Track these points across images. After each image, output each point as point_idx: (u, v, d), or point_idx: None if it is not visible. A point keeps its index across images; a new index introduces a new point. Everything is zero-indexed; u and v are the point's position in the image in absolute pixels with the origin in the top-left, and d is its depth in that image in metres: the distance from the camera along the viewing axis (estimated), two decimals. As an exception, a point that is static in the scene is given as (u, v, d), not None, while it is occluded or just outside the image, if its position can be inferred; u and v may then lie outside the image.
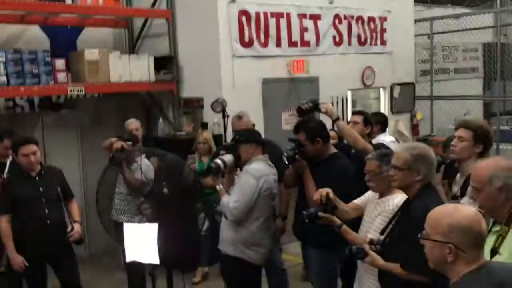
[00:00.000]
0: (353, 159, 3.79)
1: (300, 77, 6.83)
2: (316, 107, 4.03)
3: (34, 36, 6.72)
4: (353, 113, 5.10)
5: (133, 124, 5.46)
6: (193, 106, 6.79)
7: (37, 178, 4.24)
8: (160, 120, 6.65)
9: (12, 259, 4.15)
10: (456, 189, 3.23)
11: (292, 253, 5.97)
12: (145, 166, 4.72)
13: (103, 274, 6.01)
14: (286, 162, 3.61)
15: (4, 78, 5.47)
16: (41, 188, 4.21)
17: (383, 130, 4.96)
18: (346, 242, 3.06)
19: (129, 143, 4.69)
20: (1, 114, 6.75)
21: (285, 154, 3.61)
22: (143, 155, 4.82)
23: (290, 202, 4.39)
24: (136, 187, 4.70)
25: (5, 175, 4.65)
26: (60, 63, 5.87)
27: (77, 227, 4.32)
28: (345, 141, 4.33)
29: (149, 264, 4.22)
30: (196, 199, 4.38)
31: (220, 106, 4.42)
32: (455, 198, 3.13)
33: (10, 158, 4.84)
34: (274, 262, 4.45)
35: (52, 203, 4.24)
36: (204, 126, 5.99)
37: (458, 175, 3.27)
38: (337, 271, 3.73)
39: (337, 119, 3.95)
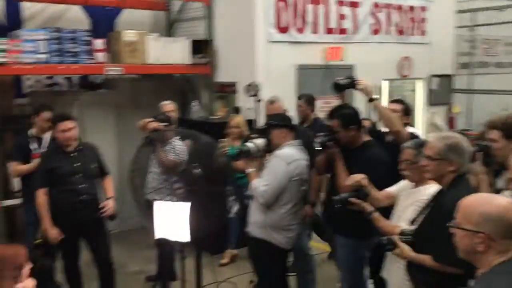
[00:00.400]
0: (388, 148, 3.74)
1: (335, 65, 6.77)
2: (352, 83, 3.96)
3: (75, 16, 6.89)
4: (392, 101, 5.05)
5: (168, 105, 5.55)
6: (227, 90, 6.84)
7: (74, 154, 4.35)
8: (194, 103, 6.71)
9: (47, 231, 4.29)
10: (501, 183, 3.17)
11: (320, 240, 5.99)
12: (178, 147, 4.79)
13: (133, 251, 6.15)
14: (318, 148, 3.60)
15: (45, 56, 5.61)
16: (77, 164, 4.32)
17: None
18: (376, 230, 3.05)
19: (164, 124, 4.76)
20: (41, 91, 6.95)
21: (317, 140, 3.60)
22: (177, 137, 4.89)
23: (321, 189, 4.39)
24: (169, 167, 4.78)
25: (43, 150, 4.82)
26: (99, 43, 5.99)
27: (110, 203, 4.43)
28: (381, 128, 4.28)
29: (179, 243, 4.33)
30: (227, 182, 4.42)
31: (253, 91, 4.43)
32: (498, 192, 3.07)
33: (49, 133, 5.01)
34: (302, 247, 4.46)
35: (87, 178, 4.35)
36: (237, 110, 6.03)
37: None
38: (365, 260, 3.71)
39: (374, 98, 3.89)
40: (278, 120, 3.73)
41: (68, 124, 4.27)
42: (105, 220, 4.48)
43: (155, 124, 4.69)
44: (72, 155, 4.34)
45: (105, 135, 6.44)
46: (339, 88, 4.02)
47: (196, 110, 6.67)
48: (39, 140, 4.98)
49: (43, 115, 4.92)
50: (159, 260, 5.15)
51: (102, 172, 4.53)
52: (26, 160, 4.91)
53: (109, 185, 4.57)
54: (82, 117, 6.18)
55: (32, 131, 5.02)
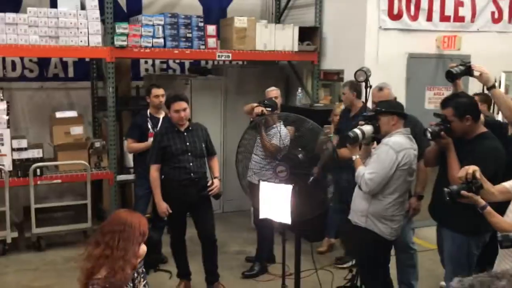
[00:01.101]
0: (509, 140, 3.48)
1: (449, 54, 6.42)
2: (468, 70, 3.74)
3: (189, 2, 7.17)
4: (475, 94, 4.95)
5: (273, 91, 5.62)
6: (332, 78, 6.77)
7: (185, 133, 4.55)
8: (299, 90, 6.72)
9: (158, 205, 4.55)
10: None
11: (423, 237, 5.77)
12: (282, 132, 4.83)
13: (234, 232, 6.33)
14: (429, 137, 3.44)
15: (161, 40, 5.92)
16: (188, 143, 4.52)
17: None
18: (488, 226, 2.87)
19: (269, 109, 4.83)
20: (156, 75, 7.35)
21: (428, 129, 3.43)
22: (281, 122, 4.93)
23: (428, 181, 4.21)
24: (272, 152, 4.84)
25: (157, 129, 5.10)
26: (211, 28, 6.19)
27: (216, 182, 4.59)
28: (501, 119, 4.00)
29: (279, 226, 4.38)
30: (330, 170, 4.37)
31: (363, 75, 4.31)
32: None
33: (163, 113, 5.28)
34: (405, 240, 4.32)
35: (196, 157, 4.54)
36: (343, 98, 5.93)
37: None
38: (474, 257, 3.50)
39: (493, 86, 3.63)
40: (387, 107, 3.62)
41: (181, 104, 4.47)
42: (211, 198, 4.65)
43: (260, 109, 4.77)
44: (183, 134, 4.54)
45: (212, 119, 6.66)
46: (452, 77, 3.79)
47: (300, 97, 6.67)
48: (154, 120, 5.26)
49: (153, 91, 5.20)
50: (259, 242, 5.26)
51: (210, 152, 4.70)
52: (142, 138, 5.22)
53: (216, 165, 4.74)
54: (192, 100, 6.45)
55: (148, 111, 5.33)
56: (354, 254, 3.93)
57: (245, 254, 5.64)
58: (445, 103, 3.46)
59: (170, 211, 4.50)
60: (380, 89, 4.30)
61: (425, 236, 5.74)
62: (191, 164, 4.50)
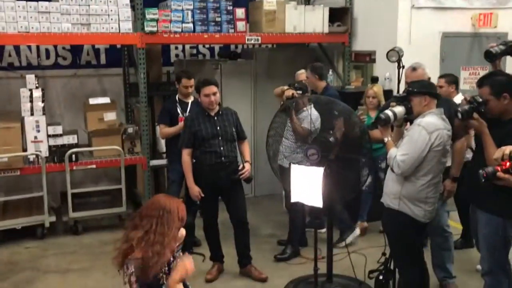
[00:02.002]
0: None
1: (485, 32, 6.23)
2: (509, 49, 3.61)
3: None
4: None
5: (304, 74, 5.59)
6: (364, 60, 6.66)
7: (216, 118, 4.57)
8: (330, 72, 6.64)
9: (190, 189, 4.59)
10: None
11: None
12: (313, 115, 4.79)
13: (266, 216, 6.35)
14: (460, 117, 3.34)
15: (191, 25, 5.93)
16: (218, 127, 4.54)
17: (457, 90, 4.99)
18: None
19: (299, 92, 4.78)
20: (186, 60, 7.38)
21: (459, 109, 3.34)
22: (312, 105, 4.89)
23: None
24: (302, 135, 4.81)
25: (187, 114, 5.13)
26: (240, 12, 6.16)
27: (247, 166, 4.61)
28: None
29: (312, 210, 4.39)
30: (362, 153, 4.32)
31: (396, 55, 4.20)
32: None
33: (192, 98, 5.31)
34: (440, 223, 4.25)
35: (227, 141, 4.55)
36: (375, 80, 5.84)
37: None
38: (510, 239, 3.41)
39: None
40: (419, 87, 3.53)
41: (212, 88, 4.48)
42: (242, 182, 4.67)
43: (291, 92, 4.74)
44: (214, 118, 4.56)
45: (242, 103, 6.66)
46: (492, 57, 3.67)
47: (331, 80, 6.59)
48: (183, 104, 5.31)
49: (183, 81, 5.22)
50: (290, 226, 5.26)
51: (240, 136, 4.71)
52: (172, 123, 5.27)
53: (246, 149, 4.75)
54: (222, 85, 6.46)
55: (177, 97, 5.37)
56: (386, 236, 3.88)
57: (277, 237, 5.66)
58: (481, 81, 3.35)
59: (202, 195, 4.54)
60: (414, 69, 4.20)
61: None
62: (221, 148, 4.51)
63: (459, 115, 3.34)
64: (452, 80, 4.98)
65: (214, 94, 4.49)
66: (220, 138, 4.52)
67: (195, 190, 4.53)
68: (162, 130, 5.35)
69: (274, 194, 6.80)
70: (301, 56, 7.03)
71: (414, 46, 5.87)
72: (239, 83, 6.79)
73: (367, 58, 6.53)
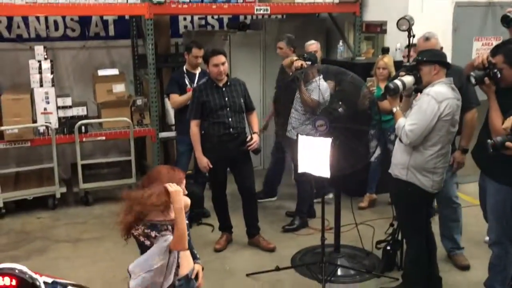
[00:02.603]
0: None
1: (500, 2, 6.09)
2: None
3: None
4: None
5: (313, 45, 5.52)
6: (375, 31, 6.55)
7: (224, 89, 4.54)
8: (340, 43, 6.56)
9: (198, 160, 4.61)
10: None
11: (468, 193, 5.65)
12: (322, 87, 4.74)
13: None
14: (474, 83, 3.28)
15: (198, -4, 5.85)
16: (226, 98, 4.52)
17: None
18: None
19: (309, 62, 4.73)
20: (194, 31, 7.32)
21: (472, 74, 3.27)
22: (321, 76, 4.84)
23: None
24: (312, 107, 4.78)
25: (195, 85, 5.11)
26: (248, -19, 6.06)
27: (255, 137, 4.60)
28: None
29: (319, 181, 4.37)
30: (371, 124, 4.28)
31: (406, 24, 4.13)
32: None
33: (199, 69, 5.29)
34: (449, 194, 4.23)
35: (235, 112, 4.54)
36: (385, 51, 5.75)
37: None
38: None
39: None
40: (429, 56, 3.46)
41: (220, 58, 4.45)
42: (250, 153, 4.67)
43: (300, 62, 4.68)
44: (222, 89, 4.53)
45: (251, 74, 6.60)
46: (509, 22, 3.58)
47: (341, 51, 6.51)
48: (191, 75, 5.28)
49: (194, 51, 5.18)
50: (299, 197, 5.28)
51: (249, 108, 4.69)
52: (180, 95, 5.26)
53: (255, 120, 4.73)
54: (231, 56, 6.41)
55: (185, 67, 5.34)
56: (394, 206, 3.87)
57: (285, 209, 5.69)
58: (495, 50, 3.28)
59: (211, 166, 4.55)
60: (427, 39, 4.10)
61: (469, 192, 5.62)
62: (230, 119, 4.50)
63: (472, 80, 3.28)
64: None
65: (223, 64, 4.46)
66: (228, 109, 4.51)
67: (204, 161, 4.54)
68: (173, 99, 5.32)
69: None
70: (311, 27, 6.93)
71: (426, 16, 5.75)
72: (248, 55, 6.73)
73: (378, 28, 6.42)
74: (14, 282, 1.57)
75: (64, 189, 5.84)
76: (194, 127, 4.56)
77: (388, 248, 4.28)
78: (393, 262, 4.27)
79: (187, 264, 2.72)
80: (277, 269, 4.21)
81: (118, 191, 6.14)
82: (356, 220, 4.60)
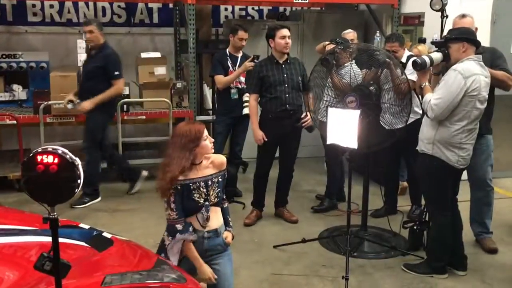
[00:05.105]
0: None
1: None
2: None
3: None
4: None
5: (350, 34, 5.59)
6: (413, 23, 6.57)
7: (283, 66, 4.69)
8: (377, 33, 6.60)
9: (254, 132, 4.76)
10: None
11: (504, 187, 5.61)
12: (354, 72, 4.81)
13: (307, 175, 6.48)
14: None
15: (240, -15, 6.03)
16: (285, 75, 4.66)
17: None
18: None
19: (341, 47, 4.81)
20: (235, 21, 7.51)
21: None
22: (354, 61, 4.91)
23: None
24: (343, 90, 4.85)
25: (237, 67, 5.25)
26: (289, -28, 6.20)
27: (310, 115, 4.68)
28: None
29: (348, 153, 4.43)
30: (401, 104, 4.32)
31: (439, 4, 4.15)
32: None
33: (241, 52, 5.45)
34: (483, 177, 4.19)
35: (292, 89, 4.68)
36: (422, 41, 5.75)
37: None
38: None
39: None
40: (458, 34, 3.52)
41: (287, 31, 4.63)
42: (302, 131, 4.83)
43: (332, 47, 4.78)
44: (281, 66, 4.68)
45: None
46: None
47: (378, 41, 6.54)
48: (233, 58, 5.43)
49: (240, 33, 5.34)
50: (329, 180, 5.37)
51: (306, 87, 4.75)
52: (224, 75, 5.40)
53: (311, 101, 4.82)
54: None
55: (228, 50, 5.49)
56: (421, 182, 3.91)
57: (316, 192, 5.79)
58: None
59: (266, 139, 4.68)
60: (463, 15, 4.07)
61: (506, 186, 5.59)
62: (287, 95, 4.63)
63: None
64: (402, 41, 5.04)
65: (289, 37, 4.61)
66: (286, 85, 4.64)
67: (259, 134, 4.67)
68: (219, 79, 5.39)
69: (317, 157, 6.88)
70: (349, 19, 7.01)
71: (465, 6, 5.71)
72: (286, 45, 6.85)
73: (416, 20, 6.45)
74: (56, 160, 1.79)
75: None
76: (253, 101, 4.72)
77: (415, 228, 4.30)
78: (420, 242, 4.28)
79: (216, 220, 2.87)
80: (303, 241, 4.31)
81: (155, 170, 6.38)
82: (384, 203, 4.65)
